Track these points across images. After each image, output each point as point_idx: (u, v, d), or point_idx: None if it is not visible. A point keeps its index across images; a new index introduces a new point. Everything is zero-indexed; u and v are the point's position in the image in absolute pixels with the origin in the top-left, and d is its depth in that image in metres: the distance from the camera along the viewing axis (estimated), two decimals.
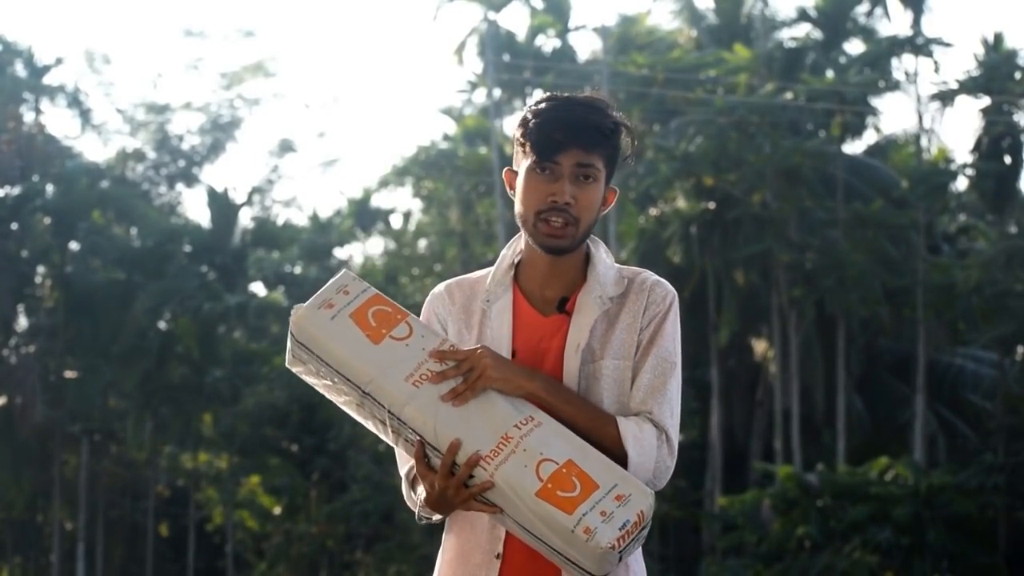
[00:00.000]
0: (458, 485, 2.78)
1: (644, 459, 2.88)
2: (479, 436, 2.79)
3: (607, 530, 2.71)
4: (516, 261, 3.03)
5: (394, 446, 2.92)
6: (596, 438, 2.86)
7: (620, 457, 2.86)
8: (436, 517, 2.95)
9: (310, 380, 2.94)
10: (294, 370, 2.94)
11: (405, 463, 3.00)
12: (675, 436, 2.96)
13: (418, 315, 3.02)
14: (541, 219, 2.91)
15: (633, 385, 2.96)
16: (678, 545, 32.19)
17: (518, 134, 2.95)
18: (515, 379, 2.86)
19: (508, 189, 3.01)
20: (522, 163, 2.95)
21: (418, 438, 2.82)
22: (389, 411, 2.83)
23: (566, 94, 2.97)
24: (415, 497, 2.95)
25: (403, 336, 2.88)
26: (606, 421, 2.88)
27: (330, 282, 2.95)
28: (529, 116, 2.93)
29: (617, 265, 3.03)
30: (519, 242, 3.04)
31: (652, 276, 3.03)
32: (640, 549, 2.99)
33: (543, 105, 2.93)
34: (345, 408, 2.93)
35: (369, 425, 2.91)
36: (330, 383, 2.89)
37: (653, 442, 2.91)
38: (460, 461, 2.78)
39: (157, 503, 38.37)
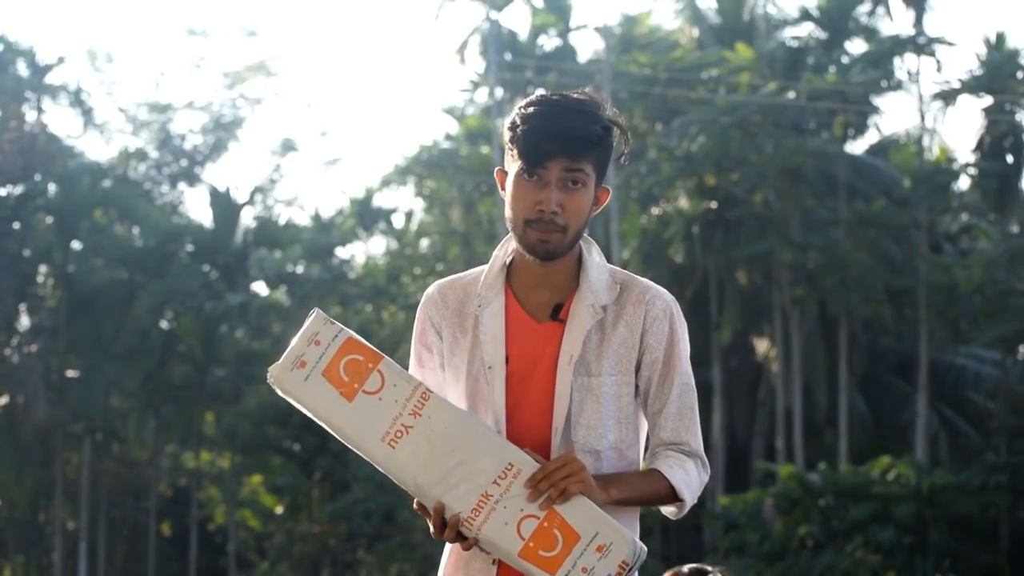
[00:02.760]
0: (451, 536, 2.83)
1: (694, 495, 2.97)
2: (459, 495, 2.81)
3: None
4: (508, 262, 3.01)
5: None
6: (655, 500, 2.93)
7: (675, 502, 2.94)
8: None
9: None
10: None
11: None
12: (704, 453, 3.04)
13: (411, 321, 3.04)
14: (530, 227, 2.89)
15: (660, 414, 2.99)
16: (680, 544, 32.18)
17: (507, 137, 2.93)
18: (599, 492, 2.86)
19: (500, 189, 2.99)
20: (511, 166, 2.93)
21: None
22: (376, 464, 2.87)
23: (556, 96, 2.92)
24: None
25: (375, 389, 2.88)
26: (659, 480, 2.92)
27: (303, 328, 2.93)
28: (518, 121, 2.90)
29: (609, 267, 3.01)
30: (510, 243, 3.01)
31: (650, 286, 3.00)
32: None
33: (531, 110, 2.89)
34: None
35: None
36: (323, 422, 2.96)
37: (696, 475, 2.98)
38: (446, 519, 2.81)
39: (159, 502, 38.38)
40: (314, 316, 2.94)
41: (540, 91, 3.01)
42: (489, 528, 2.78)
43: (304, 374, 2.89)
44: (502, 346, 2.95)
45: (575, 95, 2.94)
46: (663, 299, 2.98)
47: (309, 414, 2.90)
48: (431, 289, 3.06)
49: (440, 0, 37.02)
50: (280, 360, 2.92)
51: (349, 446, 2.90)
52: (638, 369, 2.98)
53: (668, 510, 2.99)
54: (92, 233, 36.40)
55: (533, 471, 2.81)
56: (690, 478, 2.95)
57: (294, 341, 2.92)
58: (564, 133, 2.85)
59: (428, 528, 2.91)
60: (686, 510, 2.98)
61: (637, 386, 2.99)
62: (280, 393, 2.92)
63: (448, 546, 2.99)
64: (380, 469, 2.88)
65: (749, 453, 32.02)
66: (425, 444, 2.84)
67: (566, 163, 2.86)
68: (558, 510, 2.79)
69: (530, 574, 2.77)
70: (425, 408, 2.87)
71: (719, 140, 30.89)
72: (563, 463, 2.81)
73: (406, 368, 3.02)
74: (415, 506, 2.89)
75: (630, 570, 2.79)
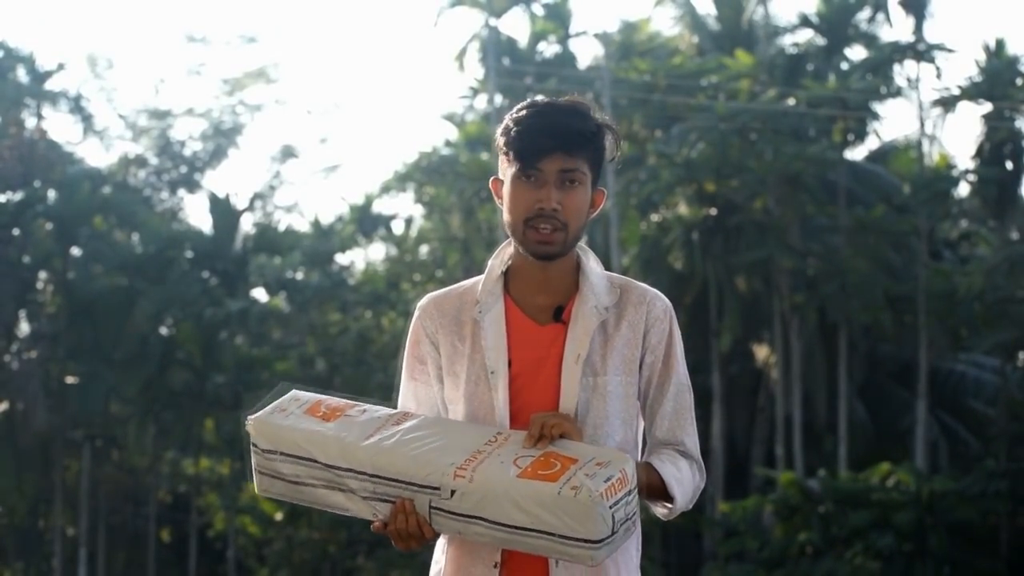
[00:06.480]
0: (414, 524, 2.79)
1: (687, 496, 2.96)
2: (449, 456, 2.81)
3: (593, 483, 2.70)
4: (504, 270, 3.02)
5: (372, 518, 2.89)
6: (645, 492, 2.89)
7: (666, 500, 2.93)
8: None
9: (284, 494, 2.96)
10: (266, 494, 2.98)
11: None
12: (701, 458, 3.03)
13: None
14: (530, 227, 2.90)
15: (657, 413, 3.01)
16: (680, 551, 32.17)
17: (501, 143, 2.95)
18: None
19: (496, 198, 3.01)
20: (507, 171, 2.95)
21: (397, 492, 2.82)
22: (361, 472, 2.84)
23: (546, 100, 2.96)
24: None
25: (356, 415, 2.95)
26: (650, 473, 2.91)
27: (280, 399, 3.02)
28: (511, 124, 2.92)
29: (606, 273, 3.03)
30: (506, 250, 3.02)
31: (648, 289, 3.03)
32: (637, 556, 2.99)
33: (524, 112, 2.92)
34: (322, 506, 2.94)
35: (349, 507, 2.90)
36: (299, 480, 2.93)
37: (690, 475, 2.97)
38: (437, 483, 2.77)
39: (159, 509, 38.35)
40: (290, 392, 3.04)
41: (527, 100, 3.03)
42: (483, 469, 2.76)
43: (286, 415, 2.96)
44: (504, 351, 2.95)
45: (565, 99, 2.97)
46: (663, 300, 3.01)
47: (289, 447, 2.90)
48: (424, 301, 3.06)
49: (439, 6, 37.07)
50: (258, 412, 2.99)
51: (332, 463, 2.86)
52: (640, 369, 2.99)
53: (659, 511, 2.98)
54: (92, 239, 36.39)
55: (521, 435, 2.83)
56: (682, 475, 2.94)
57: (272, 404, 3.01)
58: (560, 129, 2.88)
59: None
60: (677, 511, 2.96)
61: (639, 388, 2.99)
62: (260, 444, 2.93)
63: (443, 553, 2.98)
64: (367, 470, 2.84)
65: (749, 460, 32.00)
66: (412, 433, 2.86)
67: (563, 160, 2.88)
68: (553, 448, 2.79)
69: (530, 493, 2.72)
70: (407, 419, 2.92)
71: (719, 147, 30.88)
72: (551, 414, 2.84)
73: (396, 384, 3.08)
74: (374, 527, 2.86)
75: (630, 490, 2.76)
